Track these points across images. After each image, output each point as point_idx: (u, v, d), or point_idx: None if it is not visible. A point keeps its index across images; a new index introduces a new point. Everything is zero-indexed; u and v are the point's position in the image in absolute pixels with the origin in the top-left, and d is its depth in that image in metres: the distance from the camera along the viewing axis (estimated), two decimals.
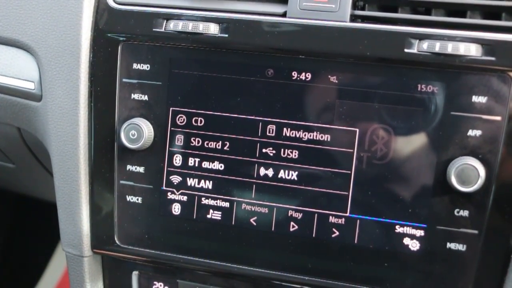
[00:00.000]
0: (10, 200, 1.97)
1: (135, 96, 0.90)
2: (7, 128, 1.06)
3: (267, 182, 0.87)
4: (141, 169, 0.91)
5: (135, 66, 0.90)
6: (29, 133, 1.04)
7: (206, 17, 0.87)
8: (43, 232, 2.02)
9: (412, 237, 0.83)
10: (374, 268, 0.85)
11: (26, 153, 1.12)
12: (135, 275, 0.97)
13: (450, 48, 0.79)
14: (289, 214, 0.86)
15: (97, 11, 0.91)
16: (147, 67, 0.89)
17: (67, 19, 0.92)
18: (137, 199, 0.92)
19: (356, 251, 0.85)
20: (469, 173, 0.78)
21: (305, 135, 0.85)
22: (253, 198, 0.87)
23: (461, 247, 0.82)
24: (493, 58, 0.78)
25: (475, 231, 0.81)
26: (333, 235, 0.85)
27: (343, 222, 0.85)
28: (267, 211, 0.87)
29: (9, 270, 2.03)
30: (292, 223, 0.86)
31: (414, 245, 0.83)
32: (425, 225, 0.82)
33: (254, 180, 0.87)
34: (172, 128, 0.89)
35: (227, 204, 0.88)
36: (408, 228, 0.83)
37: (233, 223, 0.88)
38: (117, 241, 0.93)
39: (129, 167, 0.91)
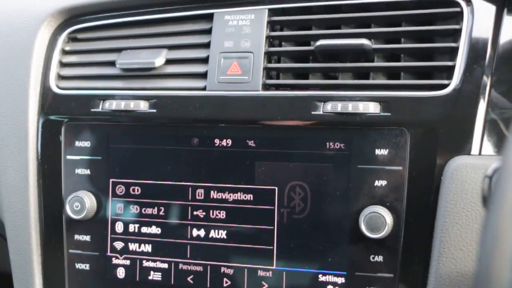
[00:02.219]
0: None
1: (79, 171, 0.95)
2: None
3: (200, 242, 0.90)
4: (87, 238, 0.95)
5: (77, 143, 0.96)
6: None
7: (136, 95, 0.93)
8: None
9: (334, 284, 0.85)
10: None
11: None
12: None
13: (350, 107, 0.83)
14: (221, 271, 0.90)
15: (41, 96, 0.98)
16: (88, 143, 0.95)
17: (15, 106, 0.98)
18: (85, 266, 0.95)
19: None
20: (376, 220, 0.81)
21: (230, 196, 0.89)
22: (188, 258, 0.91)
23: None
24: (389, 114, 0.83)
25: (391, 275, 0.83)
26: None
27: (271, 275, 0.88)
28: (201, 269, 0.91)
29: None
30: (225, 279, 0.90)
31: None
32: (345, 273, 0.85)
33: (188, 241, 0.91)
34: (112, 198, 0.94)
35: (165, 265, 0.92)
36: (330, 276, 0.86)
37: (172, 282, 0.92)
38: None
39: (76, 236, 0.95)
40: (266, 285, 0.88)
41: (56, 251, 0.96)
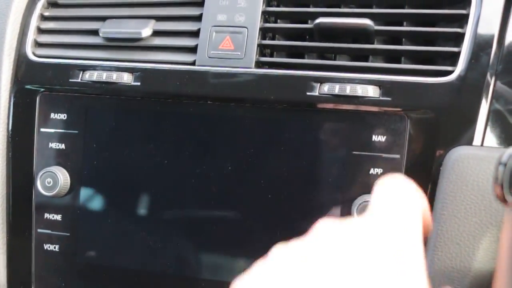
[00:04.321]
0: None
1: (52, 145, 0.86)
2: None
3: (177, 225, 0.82)
4: (58, 217, 0.85)
5: (52, 116, 0.86)
6: None
7: (119, 67, 0.84)
8: None
9: None
10: None
11: None
12: None
13: (348, 89, 0.76)
14: (200, 257, 0.81)
15: (16, 63, 0.88)
16: (64, 116, 0.85)
17: None
18: (54, 247, 0.86)
19: None
20: None
21: (214, 177, 0.81)
22: (164, 242, 0.82)
23: None
24: (389, 99, 0.76)
25: None
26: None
27: (252, 262, 0.80)
28: (176, 254, 0.82)
29: None
30: (204, 264, 0.81)
31: None
32: None
33: (165, 224, 0.82)
34: (87, 176, 0.84)
35: (139, 249, 0.83)
36: None
37: (146, 267, 0.83)
38: None
39: (46, 215, 0.86)
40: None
41: (23, 230, 0.87)
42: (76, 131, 0.85)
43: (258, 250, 0.78)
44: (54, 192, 0.83)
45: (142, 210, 0.83)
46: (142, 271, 0.83)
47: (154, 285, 0.83)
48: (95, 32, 0.87)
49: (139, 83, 0.83)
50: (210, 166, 0.80)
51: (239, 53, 0.81)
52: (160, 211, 0.82)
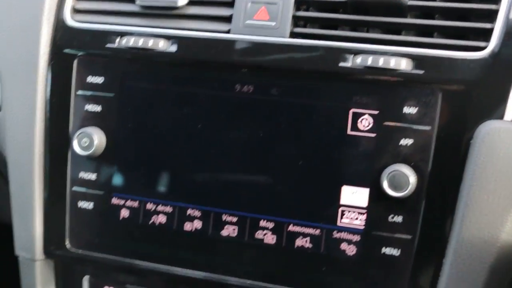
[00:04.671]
0: None
1: (88, 107, 0.87)
2: None
3: (208, 187, 0.83)
4: (92, 176, 0.88)
5: (89, 79, 0.87)
6: None
7: (156, 34, 0.85)
8: None
9: (349, 242, 0.79)
10: (312, 273, 0.81)
11: None
12: (86, 279, 0.92)
13: (381, 62, 0.77)
14: (223, 219, 0.83)
15: (55, 28, 0.90)
16: (101, 79, 0.87)
17: (26, 36, 0.90)
18: (88, 205, 0.88)
19: (294, 255, 0.81)
20: (399, 179, 0.75)
21: (246, 143, 0.82)
22: (194, 203, 0.84)
23: (395, 252, 0.78)
24: (422, 72, 0.77)
25: (409, 236, 0.78)
26: (272, 240, 0.82)
27: (280, 226, 0.81)
28: (207, 216, 0.84)
29: None
30: (228, 226, 0.83)
31: (350, 250, 0.80)
32: (361, 231, 0.79)
33: (197, 185, 0.84)
34: (122, 136, 0.86)
35: (170, 209, 0.85)
36: (345, 233, 0.80)
37: (175, 227, 0.85)
38: (68, 246, 0.89)
39: (81, 174, 0.88)
40: (274, 237, 0.82)
41: (59, 188, 0.89)
42: (112, 94, 0.86)
43: (286, 212, 0.80)
44: (90, 152, 0.85)
45: (174, 171, 0.85)
46: (176, 229, 0.85)
47: (187, 243, 0.85)
48: (131, 0, 0.89)
49: (174, 50, 0.84)
50: (241, 130, 0.82)
51: (274, 24, 0.82)
52: (192, 172, 0.84)
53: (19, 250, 0.92)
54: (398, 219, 0.78)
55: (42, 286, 0.92)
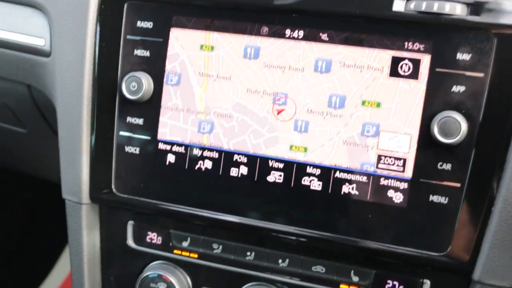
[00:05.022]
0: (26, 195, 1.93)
1: (138, 52, 0.87)
2: (18, 87, 1.04)
3: (255, 137, 0.84)
4: (139, 121, 0.88)
5: (138, 23, 0.87)
6: (38, 92, 1.02)
7: None
8: (54, 231, 1.96)
9: (396, 189, 0.79)
10: (358, 220, 0.81)
11: (36, 115, 1.10)
12: (130, 224, 0.93)
13: (436, 7, 0.76)
14: (270, 165, 0.83)
15: None
16: (150, 25, 0.87)
17: None
18: (135, 150, 0.88)
19: (341, 202, 0.81)
20: (450, 125, 0.74)
21: (297, 82, 0.82)
22: (241, 149, 0.84)
23: (443, 200, 0.77)
24: (477, 17, 0.75)
25: (457, 184, 0.77)
26: (318, 187, 0.82)
27: (327, 172, 0.81)
28: (253, 161, 0.84)
29: (17, 267, 1.96)
30: (273, 172, 0.83)
31: (397, 198, 0.79)
32: (409, 178, 0.78)
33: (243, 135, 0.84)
34: (168, 82, 0.86)
35: (216, 155, 0.85)
36: (392, 180, 0.79)
37: (220, 173, 0.85)
38: (114, 190, 0.90)
39: (128, 119, 0.88)
40: (320, 183, 0.81)
41: (106, 132, 0.89)
42: (161, 39, 0.86)
43: (332, 159, 0.79)
44: (138, 96, 0.85)
45: (224, 116, 0.85)
46: (221, 175, 0.85)
47: (232, 188, 0.85)
48: None
49: None
50: (289, 74, 0.82)
51: None
52: (240, 119, 0.84)
53: (66, 194, 0.92)
54: (447, 166, 0.77)
55: (88, 230, 0.93)
